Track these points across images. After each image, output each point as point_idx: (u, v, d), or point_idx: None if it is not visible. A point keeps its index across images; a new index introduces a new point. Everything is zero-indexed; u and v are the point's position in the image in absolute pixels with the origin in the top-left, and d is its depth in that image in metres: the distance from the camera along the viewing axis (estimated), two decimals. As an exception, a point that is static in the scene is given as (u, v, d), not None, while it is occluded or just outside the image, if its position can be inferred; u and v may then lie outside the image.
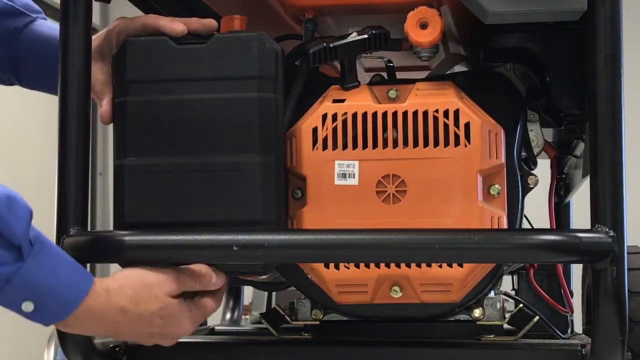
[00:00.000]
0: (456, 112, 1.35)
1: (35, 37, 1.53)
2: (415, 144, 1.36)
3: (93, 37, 1.39)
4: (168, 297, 1.26)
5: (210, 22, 1.36)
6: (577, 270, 2.18)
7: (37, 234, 1.18)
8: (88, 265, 1.33)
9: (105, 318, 1.22)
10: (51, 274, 1.18)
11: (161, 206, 1.33)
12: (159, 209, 1.33)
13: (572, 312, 1.78)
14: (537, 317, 1.46)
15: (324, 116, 1.37)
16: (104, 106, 1.38)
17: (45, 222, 1.32)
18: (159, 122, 1.33)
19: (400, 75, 1.48)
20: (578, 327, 2.05)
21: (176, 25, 1.35)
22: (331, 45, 1.37)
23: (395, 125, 1.37)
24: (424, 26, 1.35)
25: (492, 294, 1.43)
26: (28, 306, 1.18)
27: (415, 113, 1.36)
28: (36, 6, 1.57)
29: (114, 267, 1.34)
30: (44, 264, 1.17)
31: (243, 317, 2.60)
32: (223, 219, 1.32)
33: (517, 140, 1.39)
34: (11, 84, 1.61)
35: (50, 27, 1.54)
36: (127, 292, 1.24)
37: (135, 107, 1.34)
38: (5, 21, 1.53)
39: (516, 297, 1.58)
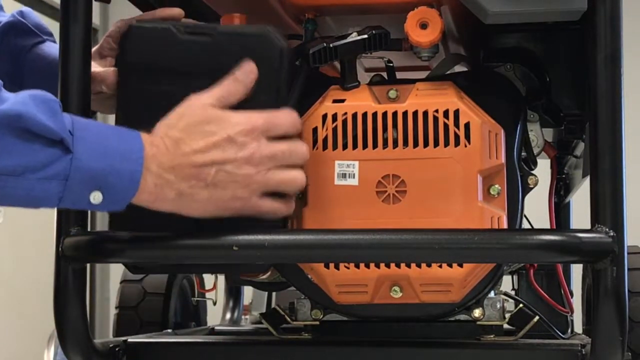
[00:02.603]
0: (456, 112, 1.35)
1: (42, 57, 1.54)
2: (415, 144, 1.36)
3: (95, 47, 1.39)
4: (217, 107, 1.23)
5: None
6: (577, 270, 2.18)
7: (71, 119, 1.16)
8: (88, 265, 1.34)
9: (156, 149, 1.19)
10: (102, 153, 1.15)
11: None
12: None
13: (572, 312, 1.78)
14: (537, 317, 1.46)
15: (324, 116, 1.38)
16: (110, 75, 1.38)
17: (45, 222, 1.33)
18: (159, 111, 1.31)
19: (400, 75, 1.48)
20: (578, 327, 2.05)
21: (172, 11, 1.36)
22: (331, 45, 1.37)
23: (395, 126, 1.37)
24: (424, 26, 1.35)
25: (492, 294, 1.43)
26: (97, 196, 1.15)
27: (415, 113, 1.36)
28: (48, 28, 1.58)
29: (114, 267, 1.34)
30: (91, 147, 1.15)
31: (243, 317, 2.60)
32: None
33: (517, 140, 1.39)
34: None
35: (57, 48, 1.53)
36: (172, 120, 1.22)
37: (136, 95, 1.33)
38: (15, 38, 1.54)
39: (516, 297, 1.58)
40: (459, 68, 1.55)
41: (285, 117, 1.26)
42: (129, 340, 1.47)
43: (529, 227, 1.71)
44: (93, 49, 1.43)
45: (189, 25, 1.33)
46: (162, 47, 1.31)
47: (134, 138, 1.19)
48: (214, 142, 1.21)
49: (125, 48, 1.33)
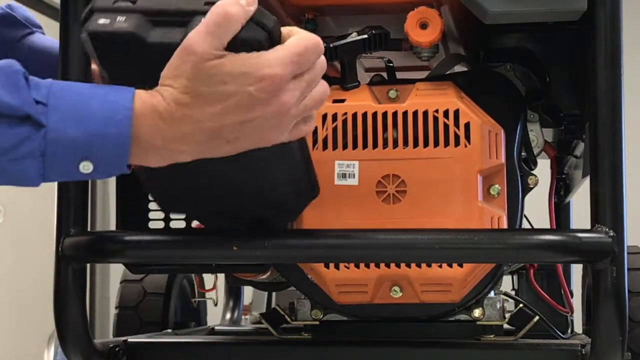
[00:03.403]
0: (456, 112, 1.35)
1: (33, 47, 1.52)
2: (415, 144, 1.36)
3: None
4: (215, 50, 1.02)
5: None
6: (577, 270, 2.18)
7: (48, 88, 1.05)
8: (88, 265, 1.34)
9: (159, 119, 1.04)
10: (81, 120, 1.03)
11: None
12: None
13: (572, 312, 1.78)
14: (537, 317, 1.46)
15: (324, 116, 1.38)
16: None
17: (45, 222, 1.32)
18: None
19: (400, 75, 1.48)
20: (578, 327, 2.05)
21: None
22: (331, 45, 1.37)
23: (395, 126, 1.37)
24: (424, 26, 1.35)
25: (492, 294, 1.43)
26: (87, 166, 1.04)
27: (415, 113, 1.36)
28: (37, 21, 1.56)
29: (114, 267, 1.34)
30: (68, 115, 1.03)
31: (243, 317, 2.60)
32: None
33: (517, 140, 1.39)
34: None
35: (48, 39, 1.52)
36: (174, 78, 1.03)
37: None
38: (4, 30, 1.53)
39: (516, 297, 1.58)
40: (459, 68, 1.55)
41: (309, 49, 1.06)
42: (129, 340, 1.47)
43: (529, 227, 1.71)
44: None
45: (160, 12, 1.08)
46: (129, 53, 1.09)
47: (120, 97, 1.04)
48: (234, 104, 1.03)
49: (96, 55, 1.13)
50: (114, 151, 1.04)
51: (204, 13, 1.04)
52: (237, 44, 1.05)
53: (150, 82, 1.07)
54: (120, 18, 1.06)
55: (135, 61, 1.08)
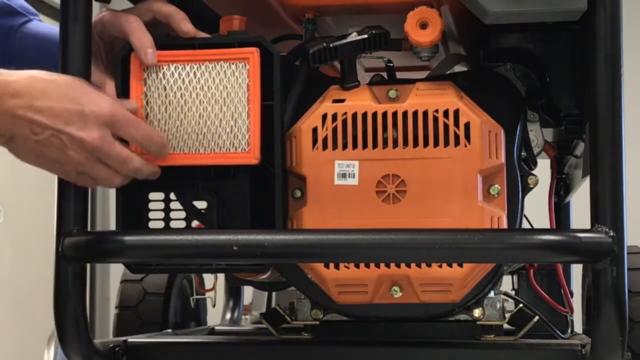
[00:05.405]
0: (456, 112, 1.35)
1: (31, 35, 1.55)
2: (415, 144, 1.36)
3: None
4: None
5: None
6: (577, 270, 2.18)
7: None
8: (88, 265, 1.34)
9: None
10: None
11: None
12: None
13: (572, 312, 1.78)
14: (537, 317, 1.46)
15: (324, 116, 1.38)
16: (108, 93, 1.37)
17: (45, 222, 1.32)
18: None
19: (400, 75, 1.48)
20: (578, 327, 2.05)
21: (188, 27, 1.34)
22: (331, 45, 1.37)
23: (395, 125, 1.37)
24: (424, 26, 1.35)
25: (492, 294, 1.43)
26: None
27: (415, 113, 1.36)
28: (32, 9, 1.59)
29: (114, 267, 1.34)
30: None
31: (243, 317, 2.60)
32: None
33: (517, 140, 1.39)
34: None
35: (46, 26, 1.55)
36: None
37: None
38: (1, 19, 1.54)
39: (516, 297, 1.59)
40: (459, 68, 1.55)
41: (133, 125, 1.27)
42: (129, 340, 1.47)
43: (529, 227, 1.71)
44: None
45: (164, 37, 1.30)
46: None
47: None
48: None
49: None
50: None
51: None
52: None
53: None
54: None
55: None
